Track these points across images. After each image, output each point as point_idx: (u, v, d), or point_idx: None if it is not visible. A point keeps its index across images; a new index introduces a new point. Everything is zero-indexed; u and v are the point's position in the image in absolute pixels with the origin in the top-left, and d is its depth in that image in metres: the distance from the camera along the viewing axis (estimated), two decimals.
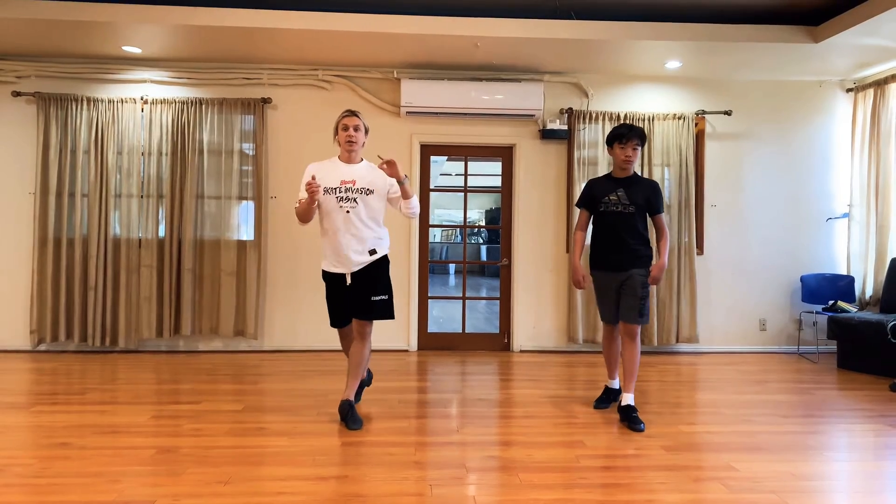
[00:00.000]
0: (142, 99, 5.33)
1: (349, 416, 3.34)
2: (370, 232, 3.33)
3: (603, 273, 3.56)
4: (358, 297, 3.34)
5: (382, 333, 5.58)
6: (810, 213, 5.81)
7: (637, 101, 5.71)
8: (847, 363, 5.05)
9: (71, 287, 5.27)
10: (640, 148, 3.47)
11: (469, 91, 5.35)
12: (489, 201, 17.40)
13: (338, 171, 3.34)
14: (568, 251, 5.64)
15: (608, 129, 5.54)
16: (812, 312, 5.57)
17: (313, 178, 3.14)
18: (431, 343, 5.71)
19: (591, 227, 3.68)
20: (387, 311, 3.39)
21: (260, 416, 3.51)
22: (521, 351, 5.66)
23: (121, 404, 3.72)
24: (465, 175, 5.96)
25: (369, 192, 3.31)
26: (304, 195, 3.31)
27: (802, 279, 5.65)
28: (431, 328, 6.19)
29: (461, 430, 3.31)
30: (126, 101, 5.32)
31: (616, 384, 3.80)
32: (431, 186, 5.73)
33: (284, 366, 4.89)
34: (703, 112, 5.67)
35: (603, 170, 5.54)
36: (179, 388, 4.13)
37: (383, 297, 3.37)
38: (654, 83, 5.73)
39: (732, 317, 5.78)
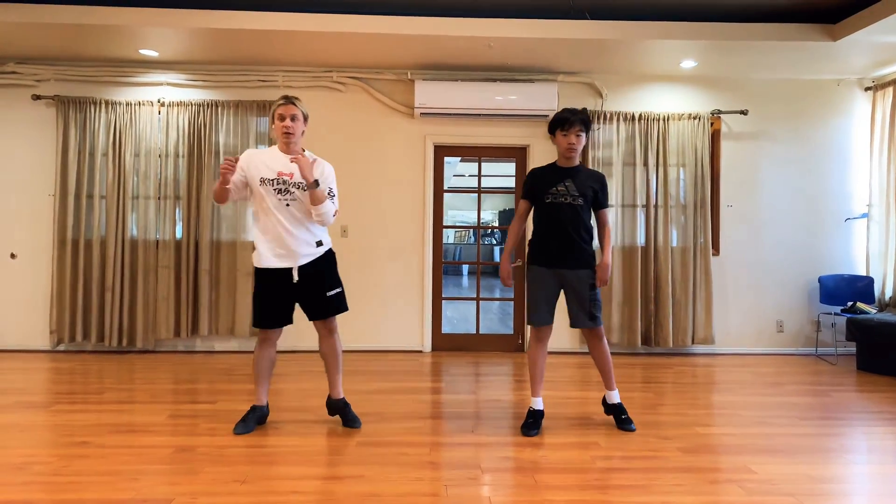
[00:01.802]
0: (159, 101, 5.39)
1: (346, 416, 3.35)
2: (312, 226, 3.19)
3: (544, 269, 3.27)
4: (311, 295, 3.20)
5: (397, 334, 5.59)
6: (828, 213, 5.74)
7: (652, 101, 5.68)
8: (866, 365, 4.98)
9: (89, 288, 5.34)
10: (584, 134, 3.20)
11: (482, 92, 5.35)
12: (502, 202, 17.38)
13: (276, 163, 3.15)
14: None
15: (623, 129, 5.52)
16: (830, 314, 5.51)
17: (230, 158, 2.96)
18: (445, 344, 5.71)
19: (531, 220, 3.40)
20: (342, 305, 3.28)
21: (275, 415, 3.53)
22: None
23: (138, 404, 3.76)
24: (479, 176, 5.96)
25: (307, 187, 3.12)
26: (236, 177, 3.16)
27: (821, 280, 5.58)
28: (445, 329, 6.20)
29: (476, 430, 3.31)
30: (143, 104, 5.38)
31: (541, 404, 3.34)
32: (445, 187, 5.73)
33: (298, 366, 4.91)
34: (719, 112, 5.63)
35: (618, 170, 5.51)
36: (196, 388, 4.16)
37: (337, 290, 3.25)
38: (668, 83, 5.70)
39: (749, 318, 5.73)
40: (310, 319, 3.28)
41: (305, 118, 3.22)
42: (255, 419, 3.29)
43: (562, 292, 3.35)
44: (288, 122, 3.13)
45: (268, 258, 3.15)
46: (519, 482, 2.60)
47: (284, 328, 5.48)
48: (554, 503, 2.40)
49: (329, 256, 3.28)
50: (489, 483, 2.59)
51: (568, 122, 3.17)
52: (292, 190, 3.13)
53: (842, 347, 5.74)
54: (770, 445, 3.11)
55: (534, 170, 3.36)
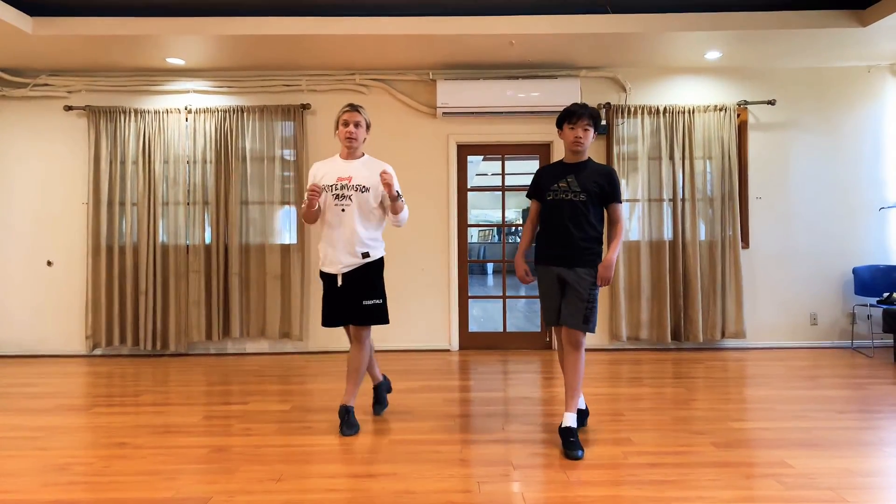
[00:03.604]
0: (186, 109, 5.49)
1: (344, 421, 3.25)
2: (364, 232, 3.24)
3: (546, 268, 3.13)
4: (350, 300, 3.25)
5: (424, 333, 5.61)
6: (862, 203, 5.62)
7: (676, 94, 5.62)
8: None
9: (123, 293, 5.45)
10: (591, 129, 3.05)
11: (505, 90, 5.35)
12: (526, 200, 17.33)
13: (336, 169, 3.29)
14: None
15: (647, 123, 5.47)
16: (866, 305, 5.39)
17: (314, 184, 3.13)
18: (473, 342, 5.72)
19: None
20: (381, 316, 3.28)
21: (307, 415, 3.57)
22: None
23: (173, 405, 3.83)
24: (503, 174, 5.95)
25: (365, 189, 3.23)
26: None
27: (855, 271, 5.47)
28: (472, 328, 6.20)
29: (506, 428, 3.32)
30: (171, 112, 5.48)
31: (581, 403, 3.28)
32: (469, 186, 5.74)
33: (329, 366, 4.96)
34: (746, 102, 5.54)
35: (644, 164, 5.46)
36: (229, 390, 4.23)
37: (376, 301, 3.26)
38: (693, 75, 5.63)
39: (781, 311, 5.63)
40: (346, 322, 3.31)
41: (368, 126, 3.35)
42: (383, 395, 3.59)
43: None
44: (352, 128, 3.26)
45: (322, 262, 3.34)
46: (551, 478, 2.60)
47: (326, 332, 5.56)
48: (587, 499, 2.39)
49: (375, 266, 3.30)
50: (521, 479, 2.59)
51: (575, 115, 3.04)
52: (350, 194, 3.23)
53: (878, 340, 5.61)
54: (807, 439, 3.06)
55: (540, 168, 3.29)
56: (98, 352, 5.57)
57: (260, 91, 5.61)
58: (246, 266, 5.48)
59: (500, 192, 5.92)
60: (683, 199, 5.47)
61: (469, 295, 5.78)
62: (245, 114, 5.48)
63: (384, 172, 3.13)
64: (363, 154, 3.37)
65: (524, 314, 7.98)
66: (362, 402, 3.86)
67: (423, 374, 4.67)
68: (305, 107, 5.50)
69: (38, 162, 5.58)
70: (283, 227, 5.54)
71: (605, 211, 3.14)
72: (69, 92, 5.56)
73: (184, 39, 4.75)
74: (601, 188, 3.06)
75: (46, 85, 5.54)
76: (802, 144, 5.63)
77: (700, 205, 5.48)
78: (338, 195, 3.23)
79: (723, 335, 5.47)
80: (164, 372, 4.83)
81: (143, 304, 5.39)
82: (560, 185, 3.08)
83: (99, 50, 4.98)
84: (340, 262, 3.24)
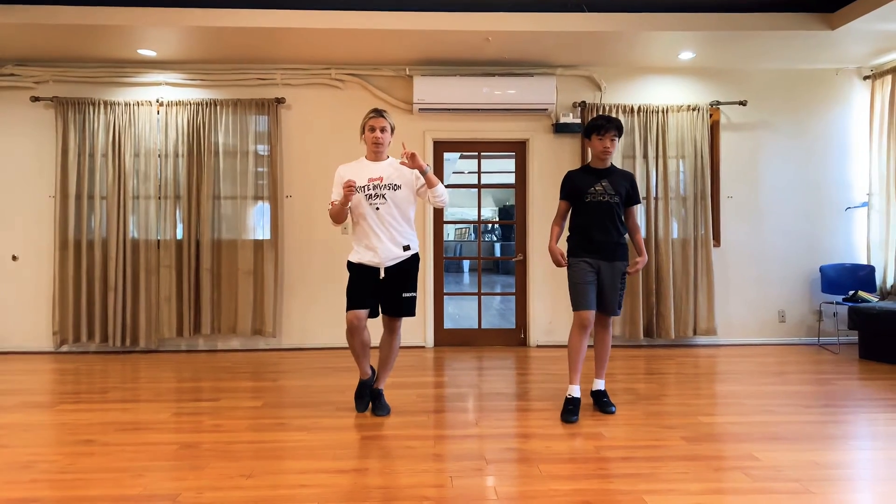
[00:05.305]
0: (157, 101, 5.39)
1: (376, 405, 3.52)
2: (401, 227, 3.41)
3: (586, 260, 3.47)
4: (390, 293, 3.42)
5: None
6: (829, 203, 5.74)
7: (650, 93, 5.68)
8: (869, 353, 4.99)
9: (91, 289, 5.34)
10: (617, 139, 3.50)
11: (481, 86, 5.35)
12: (502, 199, 17.37)
13: (365, 170, 3.43)
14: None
15: (622, 122, 5.51)
16: (832, 303, 5.51)
17: (350, 180, 3.21)
18: (448, 339, 5.72)
19: (570, 218, 3.66)
20: (411, 309, 3.49)
21: (279, 411, 3.54)
22: (538, 346, 5.65)
23: (142, 402, 3.77)
24: (479, 172, 5.96)
25: (397, 186, 3.38)
26: (336, 197, 3.41)
27: (822, 269, 5.58)
28: (447, 324, 6.20)
29: (480, 423, 3.32)
30: (142, 104, 5.38)
31: (578, 391, 3.47)
32: (445, 184, 5.73)
33: (302, 363, 4.92)
34: (718, 103, 5.62)
35: (618, 163, 5.51)
36: (200, 386, 4.17)
37: (413, 294, 3.47)
38: (667, 74, 5.69)
39: (751, 309, 5.73)
40: (382, 314, 3.50)
41: (392, 129, 3.50)
42: (367, 392, 3.60)
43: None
44: (378, 133, 3.41)
45: (359, 256, 3.41)
46: (524, 472, 2.61)
47: (299, 328, 5.51)
48: (559, 493, 2.40)
49: (415, 260, 3.48)
50: (494, 474, 2.60)
51: (604, 127, 3.46)
52: (383, 193, 3.37)
53: (844, 336, 5.74)
54: (774, 433, 3.12)
55: (570, 173, 3.60)
56: (65, 348, 5.44)
57: (233, 84, 5.53)
58: (217, 262, 5.41)
59: (477, 190, 5.92)
60: (657, 198, 5.53)
61: (444, 292, 5.78)
62: (218, 107, 5.40)
63: (405, 154, 3.25)
64: (388, 156, 3.52)
65: (499, 311, 8.00)
66: (343, 398, 3.84)
67: (398, 370, 4.65)
68: (280, 101, 5.44)
69: (4, 154, 5.43)
70: (256, 223, 5.48)
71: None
72: (36, 82, 5.43)
73: (155, 30, 4.66)
74: (627, 191, 3.53)
75: (12, 75, 5.40)
76: (772, 145, 5.73)
77: (673, 203, 5.55)
78: (370, 195, 3.37)
79: (694, 332, 5.55)
80: (133, 369, 4.74)
81: (112, 300, 5.28)
82: (596, 188, 3.49)
83: (67, 40, 4.86)
84: (386, 257, 3.36)
